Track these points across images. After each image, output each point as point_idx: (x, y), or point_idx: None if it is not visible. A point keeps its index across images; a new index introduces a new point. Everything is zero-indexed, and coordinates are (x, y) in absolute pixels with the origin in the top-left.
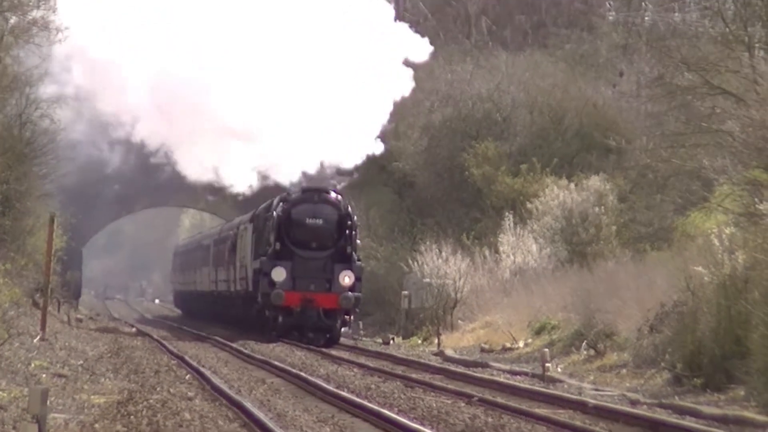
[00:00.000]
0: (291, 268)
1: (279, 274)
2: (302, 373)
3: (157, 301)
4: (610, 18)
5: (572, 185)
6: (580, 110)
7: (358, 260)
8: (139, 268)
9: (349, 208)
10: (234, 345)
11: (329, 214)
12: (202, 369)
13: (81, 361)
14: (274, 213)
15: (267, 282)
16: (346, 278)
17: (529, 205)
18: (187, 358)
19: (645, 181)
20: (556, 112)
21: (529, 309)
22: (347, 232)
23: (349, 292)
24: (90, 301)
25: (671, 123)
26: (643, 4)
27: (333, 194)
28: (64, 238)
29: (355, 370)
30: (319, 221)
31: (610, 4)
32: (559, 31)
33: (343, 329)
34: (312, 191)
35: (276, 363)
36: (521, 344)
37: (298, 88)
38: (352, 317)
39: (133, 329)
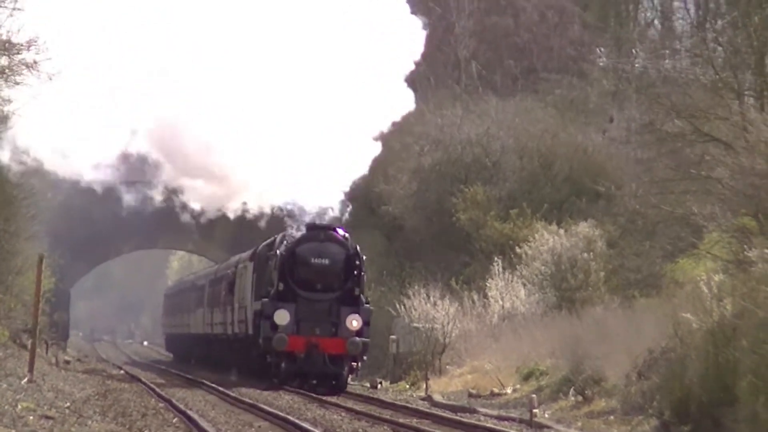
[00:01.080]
0: (295, 310)
1: (282, 317)
2: (290, 417)
3: (145, 343)
4: (601, 64)
5: (562, 231)
6: (570, 156)
7: (366, 303)
8: (127, 310)
9: (357, 248)
10: (224, 389)
11: (336, 253)
12: (189, 412)
13: (68, 403)
14: (277, 251)
15: (269, 325)
16: (354, 322)
17: (518, 250)
18: (174, 401)
19: (634, 228)
20: (545, 157)
21: (517, 354)
22: (355, 272)
23: (357, 337)
24: (78, 343)
25: (661, 169)
26: (633, 50)
27: (340, 232)
28: (52, 279)
29: (343, 414)
30: (325, 261)
31: (600, 50)
32: (550, 77)
33: (350, 377)
34: (318, 229)
35: (263, 407)
36: (509, 390)
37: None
38: (359, 364)
39: (121, 371)
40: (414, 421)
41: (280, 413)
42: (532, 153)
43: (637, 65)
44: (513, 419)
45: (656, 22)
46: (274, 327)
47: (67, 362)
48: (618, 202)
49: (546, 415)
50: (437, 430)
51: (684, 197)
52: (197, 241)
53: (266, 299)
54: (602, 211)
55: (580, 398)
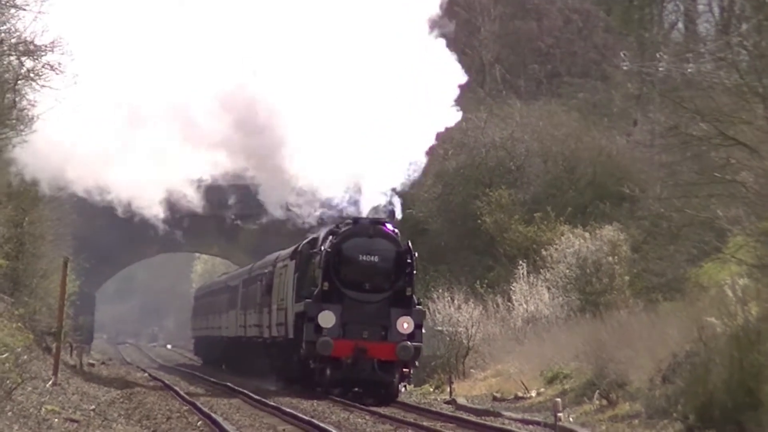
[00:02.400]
0: (341, 312)
1: (327, 319)
2: (314, 420)
3: (169, 346)
4: (625, 68)
5: (586, 234)
6: (594, 159)
7: (418, 304)
8: (151, 314)
9: (409, 244)
10: (246, 391)
11: (386, 250)
12: (213, 415)
13: (93, 406)
14: (322, 248)
15: (313, 328)
16: (405, 324)
17: (543, 253)
18: (198, 404)
19: (658, 231)
20: (569, 161)
21: (541, 358)
22: (407, 271)
23: (408, 342)
24: (102, 346)
25: (685, 173)
26: (657, 54)
27: (389, 227)
28: (76, 282)
29: (367, 417)
30: (374, 258)
31: (624, 54)
32: (573, 81)
33: (401, 385)
34: (366, 223)
35: (287, 409)
36: (533, 393)
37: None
38: (411, 370)
39: (146, 374)
40: (438, 425)
41: (304, 416)
42: (556, 157)
43: (661, 69)
44: (537, 423)
45: (680, 25)
46: (319, 330)
47: (92, 365)
48: (642, 205)
49: (570, 419)
50: None
51: (708, 201)
52: (222, 245)
53: (309, 300)
54: (626, 215)
55: (604, 402)
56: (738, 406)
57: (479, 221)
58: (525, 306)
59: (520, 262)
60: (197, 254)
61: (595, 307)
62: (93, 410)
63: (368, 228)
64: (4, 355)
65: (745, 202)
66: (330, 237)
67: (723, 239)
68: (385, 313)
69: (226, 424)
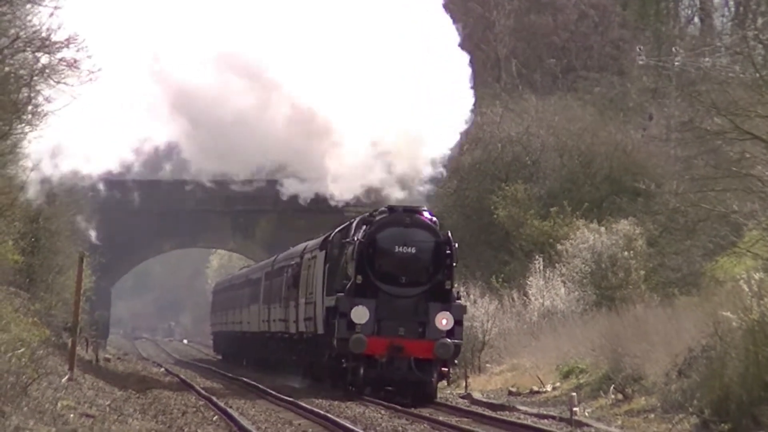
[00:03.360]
0: (375, 307)
1: (360, 314)
2: (329, 415)
3: (185, 341)
4: (640, 62)
5: (602, 229)
6: (610, 154)
7: (458, 298)
8: (167, 309)
9: (449, 234)
10: (262, 386)
11: (424, 240)
12: (229, 410)
13: (108, 401)
14: (355, 238)
15: (345, 324)
16: (444, 320)
17: (559, 247)
18: (215, 399)
19: (674, 226)
20: (585, 155)
21: (556, 352)
22: (446, 262)
23: (447, 339)
24: (118, 341)
25: (700, 167)
26: (673, 49)
27: (427, 215)
28: (92, 278)
29: (383, 411)
30: (412, 250)
31: (640, 48)
32: (589, 75)
33: (440, 384)
34: (402, 211)
35: (302, 404)
36: (549, 387)
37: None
38: (450, 370)
39: (162, 369)
40: (454, 420)
41: (320, 411)
42: (571, 151)
43: (676, 63)
44: (553, 417)
45: (696, 19)
46: (351, 326)
47: (108, 360)
48: (658, 200)
49: (586, 413)
50: (477, 428)
51: (724, 195)
52: (237, 239)
53: (341, 294)
54: (642, 210)
55: (620, 396)
56: (754, 400)
57: (494, 216)
58: (541, 300)
59: (536, 256)
60: (213, 249)
61: (610, 302)
62: (108, 405)
63: (404, 217)
64: (20, 351)
65: (761, 196)
66: (364, 226)
67: (739, 233)
68: (423, 308)
69: (242, 420)
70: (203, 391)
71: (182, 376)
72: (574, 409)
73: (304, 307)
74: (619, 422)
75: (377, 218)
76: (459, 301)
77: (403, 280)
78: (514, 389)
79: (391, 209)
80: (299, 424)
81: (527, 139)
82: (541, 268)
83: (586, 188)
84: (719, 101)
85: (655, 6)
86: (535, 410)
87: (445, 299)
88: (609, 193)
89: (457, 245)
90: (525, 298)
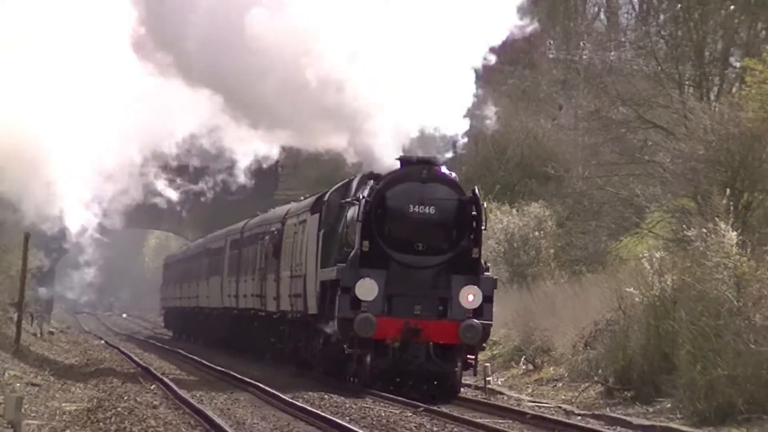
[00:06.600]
0: (386, 281)
1: (368, 289)
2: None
3: (124, 315)
4: (551, 56)
5: (514, 211)
6: (522, 142)
7: (487, 270)
8: (106, 286)
9: (476, 190)
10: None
11: (444, 198)
12: (165, 379)
13: (53, 371)
14: (360, 196)
15: (348, 302)
16: (471, 296)
17: None
18: (152, 369)
19: (581, 208)
20: (499, 143)
21: None
22: (472, 225)
23: (475, 320)
24: (61, 316)
25: (606, 154)
26: (581, 43)
27: (446, 170)
28: (39, 255)
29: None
30: (430, 210)
31: (550, 43)
32: (503, 68)
33: (464, 375)
34: (417, 164)
35: (236, 375)
36: None
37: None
38: (477, 356)
39: (102, 342)
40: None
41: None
42: (486, 139)
43: (584, 56)
44: (468, 386)
45: (602, 16)
46: (356, 304)
47: (51, 333)
48: (567, 184)
49: (499, 382)
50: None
51: (628, 180)
52: (169, 221)
53: (343, 264)
54: (552, 193)
55: (530, 366)
56: (654, 370)
57: None
58: None
59: None
60: (149, 230)
61: (522, 279)
62: (53, 375)
63: (420, 170)
64: None
65: (662, 181)
66: (370, 182)
67: (641, 215)
68: (445, 281)
69: (176, 385)
70: (142, 362)
71: (122, 348)
72: (488, 378)
73: (288, 282)
74: (530, 390)
75: (388, 174)
76: (488, 273)
77: (419, 246)
78: None
79: (404, 161)
80: (231, 393)
81: None
82: None
83: (499, 173)
84: (624, 92)
85: (563, 4)
86: None
87: (472, 271)
88: (521, 177)
89: (485, 205)
90: None
